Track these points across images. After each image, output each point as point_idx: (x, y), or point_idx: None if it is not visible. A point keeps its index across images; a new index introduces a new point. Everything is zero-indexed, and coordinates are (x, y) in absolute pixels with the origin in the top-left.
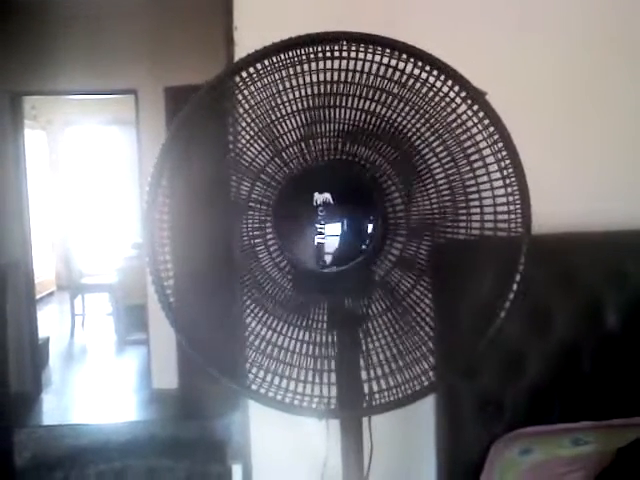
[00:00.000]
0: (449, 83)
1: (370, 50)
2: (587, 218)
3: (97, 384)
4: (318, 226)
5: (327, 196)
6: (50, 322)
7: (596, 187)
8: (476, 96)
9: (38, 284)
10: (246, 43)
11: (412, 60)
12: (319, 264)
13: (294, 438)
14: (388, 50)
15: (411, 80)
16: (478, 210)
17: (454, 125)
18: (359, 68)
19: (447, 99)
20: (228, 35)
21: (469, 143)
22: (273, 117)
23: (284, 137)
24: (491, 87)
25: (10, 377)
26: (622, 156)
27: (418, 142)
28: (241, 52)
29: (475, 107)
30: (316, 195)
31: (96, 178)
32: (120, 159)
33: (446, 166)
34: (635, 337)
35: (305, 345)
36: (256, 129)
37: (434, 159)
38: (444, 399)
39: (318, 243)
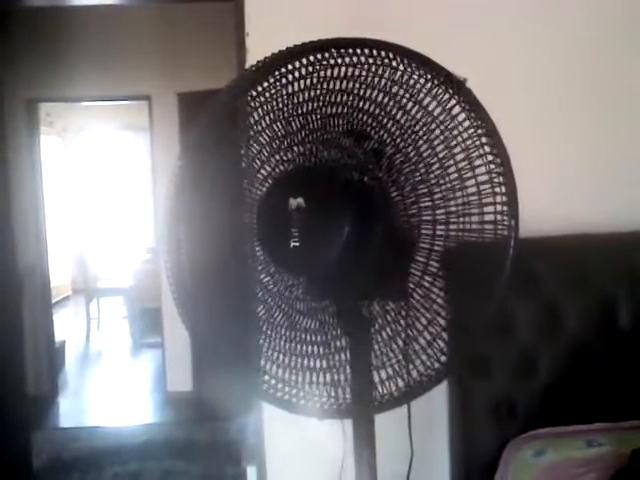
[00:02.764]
0: (432, 77)
1: (367, 55)
2: (598, 219)
3: (112, 387)
4: (293, 230)
5: (300, 201)
6: (66, 326)
7: (606, 187)
8: (458, 86)
9: (54, 288)
10: (257, 49)
11: (401, 59)
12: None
13: (308, 440)
14: (384, 54)
15: (404, 77)
16: (463, 210)
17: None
18: (357, 73)
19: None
20: (240, 41)
21: (456, 142)
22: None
23: (274, 143)
24: (490, 91)
25: (27, 380)
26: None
27: (399, 140)
28: (252, 58)
29: (460, 100)
30: (291, 200)
31: (111, 183)
32: (134, 164)
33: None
34: None
35: (317, 347)
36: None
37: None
38: (457, 400)
39: (294, 247)
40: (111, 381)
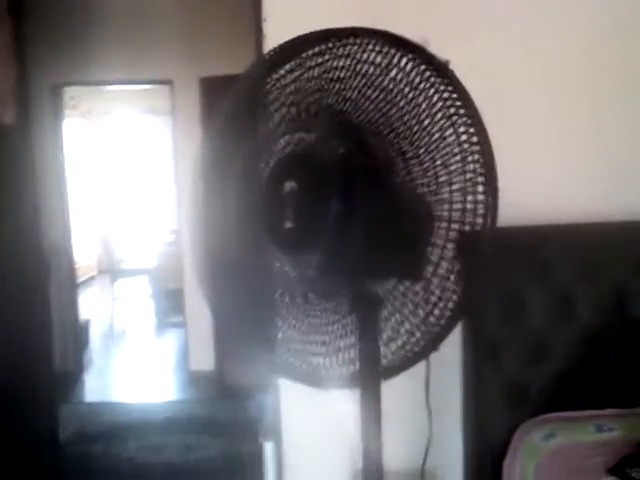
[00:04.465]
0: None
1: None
2: (612, 208)
3: (136, 365)
4: (287, 213)
5: (293, 184)
6: (91, 305)
7: (621, 177)
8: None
9: (80, 268)
10: (275, 34)
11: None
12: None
13: (323, 417)
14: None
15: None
16: (446, 196)
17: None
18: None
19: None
20: (257, 27)
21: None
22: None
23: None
24: (486, 86)
25: (54, 357)
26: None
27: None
28: (270, 43)
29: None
30: (285, 184)
31: (134, 165)
32: (157, 147)
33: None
34: None
35: (330, 324)
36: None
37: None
38: (471, 384)
39: (286, 229)
40: (135, 359)
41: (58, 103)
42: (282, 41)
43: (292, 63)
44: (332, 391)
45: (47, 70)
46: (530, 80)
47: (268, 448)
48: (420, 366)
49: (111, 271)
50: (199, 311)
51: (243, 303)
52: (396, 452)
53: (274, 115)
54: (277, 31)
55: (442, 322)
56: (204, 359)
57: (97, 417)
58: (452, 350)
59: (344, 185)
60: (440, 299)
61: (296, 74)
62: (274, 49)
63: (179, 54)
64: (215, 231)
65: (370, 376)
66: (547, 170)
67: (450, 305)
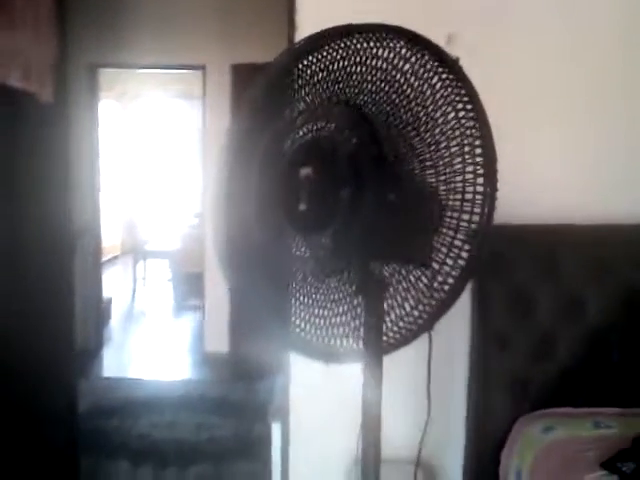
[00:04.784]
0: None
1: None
2: (620, 210)
3: (153, 344)
4: (301, 196)
5: (308, 170)
6: (114, 284)
7: (629, 181)
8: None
9: (104, 248)
10: (306, 26)
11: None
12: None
13: (331, 400)
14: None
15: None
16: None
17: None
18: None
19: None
20: (290, 18)
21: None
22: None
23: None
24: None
25: (75, 334)
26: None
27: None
28: (301, 35)
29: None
30: (301, 170)
31: (163, 149)
32: (186, 131)
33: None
34: None
35: (337, 305)
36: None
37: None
38: (476, 375)
39: (300, 211)
40: (152, 338)
41: (94, 84)
42: (314, 31)
43: (317, 54)
44: (340, 375)
45: (84, 51)
46: (542, 82)
47: (275, 428)
48: (424, 354)
49: (134, 252)
50: (217, 294)
51: (260, 281)
52: (394, 441)
53: (299, 103)
54: (309, 23)
55: (442, 300)
56: (219, 341)
57: (113, 392)
58: (460, 341)
59: (355, 173)
60: (442, 282)
61: (321, 65)
62: (302, 40)
63: (212, 40)
64: (237, 212)
65: (374, 351)
66: (561, 171)
67: (449, 286)
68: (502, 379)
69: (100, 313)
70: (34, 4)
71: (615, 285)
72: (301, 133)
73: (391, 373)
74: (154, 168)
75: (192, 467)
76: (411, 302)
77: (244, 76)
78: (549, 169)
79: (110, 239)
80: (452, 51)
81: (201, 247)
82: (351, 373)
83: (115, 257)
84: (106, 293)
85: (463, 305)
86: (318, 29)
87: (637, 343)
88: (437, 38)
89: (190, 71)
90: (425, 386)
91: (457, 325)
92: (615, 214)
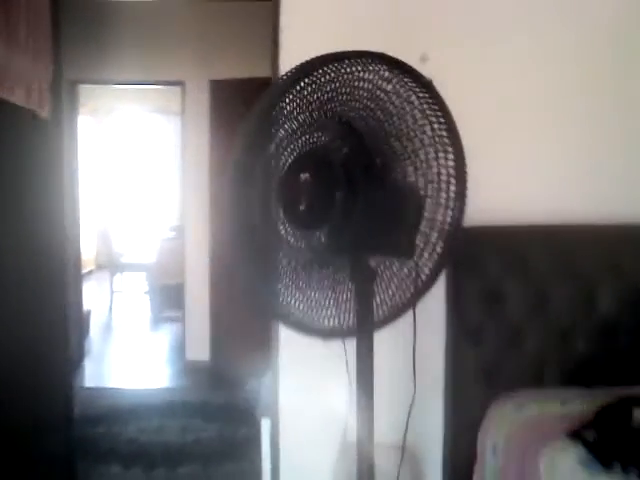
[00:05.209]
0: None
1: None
2: (583, 212)
3: (133, 355)
4: (301, 198)
5: (307, 175)
6: (89, 298)
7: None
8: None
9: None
10: (290, 46)
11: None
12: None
13: (318, 398)
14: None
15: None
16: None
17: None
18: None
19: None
20: (274, 38)
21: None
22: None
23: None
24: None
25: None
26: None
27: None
28: (285, 55)
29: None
30: (300, 175)
31: (137, 163)
32: (161, 146)
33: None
34: (627, 319)
35: (330, 291)
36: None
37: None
38: (452, 363)
39: (300, 211)
40: (132, 349)
41: (74, 100)
42: (297, 51)
43: (310, 77)
44: (327, 376)
45: (65, 67)
46: (513, 97)
47: (265, 424)
48: (408, 347)
49: (110, 265)
50: (197, 305)
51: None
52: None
53: (297, 119)
54: (293, 41)
55: (419, 286)
56: (200, 350)
57: (97, 401)
58: (436, 335)
59: (347, 178)
60: (420, 272)
61: (314, 86)
62: (296, 66)
63: (191, 57)
64: (243, 213)
65: (365, 332)
66: (528, 178)
67: (425, 275)
68: (476, 368)
69: (82, 326)
70: (34, 26)
71: (578, 280)
72: (299, 144)
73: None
74: (129, 182)
75: (180, 468)
76: (393, 288)
77: (223, 92)
78: (517, 176)
79: (84, 253)
80: (425, 69)
81: (178, 260)
82: (337, 369)
83: (89, 272)
84: (85, 306)
85: (438, 301)
86: (301, 48)
87: (599, 333)
88: (410, 57)
89: (164, 87)
90: (408, 370)
91: (433, 319)
92: (578, 215)
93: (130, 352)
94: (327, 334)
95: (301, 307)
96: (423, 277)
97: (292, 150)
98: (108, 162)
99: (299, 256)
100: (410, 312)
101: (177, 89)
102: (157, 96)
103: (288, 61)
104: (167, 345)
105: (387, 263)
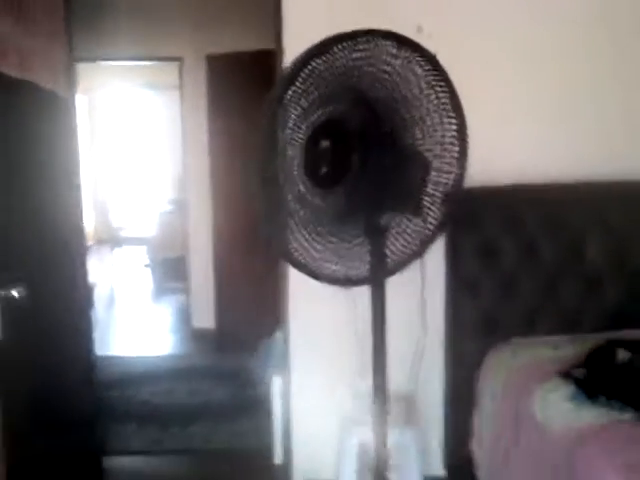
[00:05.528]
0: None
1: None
2: (569, 172)
3: (139, 325)
4: (322, 162)
5: (327, 142)
6: (91, 272)
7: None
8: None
9: None
10: (293, 19)
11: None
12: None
13: (327, 358)
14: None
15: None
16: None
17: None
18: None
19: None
20: (276, 11)
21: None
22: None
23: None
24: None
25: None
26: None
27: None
28: (288, 27)
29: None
30: (321, 142)
31: (133, 138)
32: (155, 121)
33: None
34: (612, 270)
35: (347, 242)
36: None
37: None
38: (452, 314)
39: (322, 174)
40: (137, 320)
41: (72, 77)
42: (299, 24)
43: (326, 55)
44: (335, 333)
45: None
46: (509, 68)
47: (276, 382)
48: (409, 300)
49: (110, 239)
50: (202, 275)
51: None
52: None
53: (315, 92)
54: (294, 14)
55: (424, 240)
56: (206, 318)
57: (108, 368)
58: (436, 288)
59: (362, 145)
60: (425, 227)
61: (328, 63)
62: (312, 46)
63: (188, 32)
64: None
65: (378, 279)
66: (521, 141)
67: (430, 231)
68: (473, 319)
69: (89, 297)
70: (49, 7)
71: (566, 234)
72: (317, 115)
73: None
74: (126, 158)
75: (192, 426)
76: (401, 241)
77: (220, 66)
78: (511, 141)
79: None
80: (420, 39)
81: (178, 233)
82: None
83: (90, 245)
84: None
85: (438, 256)
86: (303, 23)
87: (585, 281)
88: (406, 28)
89: (157, 62)
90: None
91: (433, 276)
92: (566, 174)
93: (135, 322)
94: (342, 282)
95: (318, 257)
96: (428, 232)
97: (312, 120)
98: (104, 138)
99: (320, 213)
100: (411, 266)
101: (172, 64)
102: (150, 72)
103: (291, 33)
104: (171, 315)
105: (397, 220)
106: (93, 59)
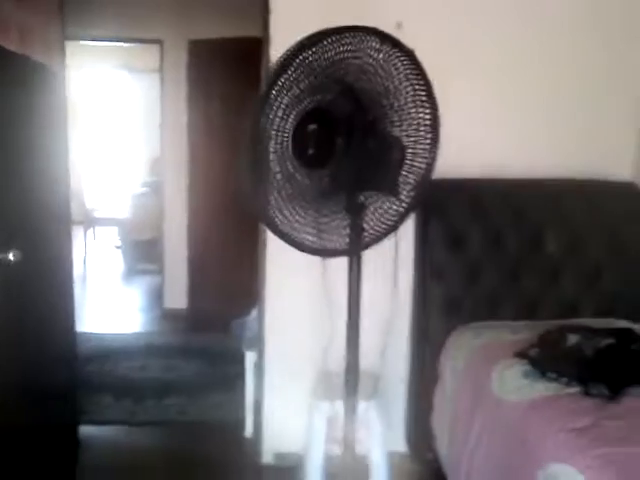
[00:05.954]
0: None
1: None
2: (532, 168)
3: (112, 304)
4: (309, 144)
5: (314, 126)
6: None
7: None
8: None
9: None
10: (280, 7)
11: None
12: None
13: (299, 335)
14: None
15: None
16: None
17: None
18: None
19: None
20: (264, 3)
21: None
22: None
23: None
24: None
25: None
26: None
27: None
28: (275, 15)
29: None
30: (309, 126)
31: (110, 120)
32: (133, 103)
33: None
34: (569, 260)
35: (326, 217)
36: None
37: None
38: (419, 297)
39: (309, 155)
40: (109, 299)
41: (64, 54)
42: (286, 12)
43: (314, 48)
44: (308, 313)
45: None
46: (480, 67)
47: (250, 356)
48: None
49: (83, 220)
50: (175, 257)
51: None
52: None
53: (305, 81)
54: (282, 7)
55: (397, 217)
56: (178, 299)
57: (84, 344)
58: (405, 273)
59: (346, 130)
60: (399, 206)
61: (316, 56)
62: (303, 38)
63: (170, 15)
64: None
65: (355, 252)
66: (488, 139)
67: (403, 209)
68: (439, 302)
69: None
70: None
71: (527, 225)
72: (306, 103)
73: None
74: (101, 138)
75: (166, 399)
76: (377, 217)
77: (201, 51)
78: (479, 138)
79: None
80: (400, 34)
81: (150, 215)
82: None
83: None
84: None
85: (408, 244)
86: (291, 12)
87: (544, 270)
88: (387, 24)
89: (140, 45)
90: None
91: (402, 260)
92: (526, 171)
93: (107, 301)
94: (320, 253)
95: (299, 228)
96: (402, 210)
97: (301, 107)
98: (80, 119)
99: (305, 190)
100: (384, 242)
101: (152, 47)
102: (129, 53)
103: (278, 22)
104: (143, 295)
105: (374, 198)
106: (74, 38)
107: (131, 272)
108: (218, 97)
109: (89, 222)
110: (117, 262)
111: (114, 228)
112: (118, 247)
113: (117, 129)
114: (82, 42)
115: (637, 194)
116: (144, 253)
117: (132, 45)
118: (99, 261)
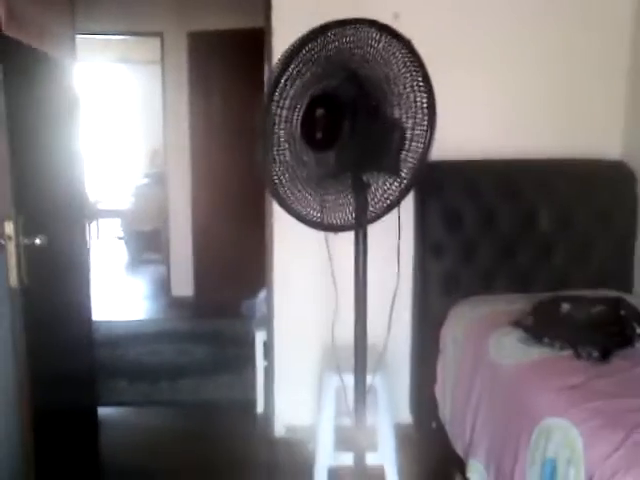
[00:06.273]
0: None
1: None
2: (525, 148)
3: (119, 293)
4: (317, 128)
5: (321, 111)
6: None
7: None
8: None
9: None
10: (282, 0)
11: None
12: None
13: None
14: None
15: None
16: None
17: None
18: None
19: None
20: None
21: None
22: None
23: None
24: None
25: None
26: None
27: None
28: (277, 7)
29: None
30: (317, 110)
31: (112, 112)
32: (135, 96)
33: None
34: (560, 237)
35: (332, 195)
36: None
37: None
38: (419, 274)
39: (317, 138)
40: (116, 289)
41: (74, 48)
42: (287, 3)
43: (320, 38)
44: (315, 293)
45: None
46: (473, 54)
47: (259, 335)
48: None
49: (87, 213)
50: (181, 246)
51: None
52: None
53: (312, 69)
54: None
55: (398, 195)
56: (185, 287)
57: (96, 330)
58: (405, 250)
59: (352, 113)
60: (399, 185)
61: (321, 45)
62: (308, 31)
63: (170, 8)
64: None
65: (361, 226)
66: (481, 121)
67: (403, 187)
68: (438, 277)
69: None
70: None
71: (521, 204)
72: (314, 89)
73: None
74: (103, 131)
75: (180, 380)
76: (379, 195)
77: (201, 44)
78: (474, 121)
79: None
80: (397, 25)
81: (153, 206)
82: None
83: None
84: None
85: (407, 222)
86: (292, 3)
87: (535, 246)
88: (385, 14)
89: (140, 37)
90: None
91: (404, 237)
92: (520, 151)
93: (114, 290)
94: (325, 228)
95: (306, 205)
96: (402, 189)
97: (309, 93)
98: (83, 111)
99: (312, 170)
100: (385, 219)
101: (153, 40)
102: (130, 46)
103: (280, 13)
104: (149, 284)
105: (376, 177)
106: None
107: (135, 262)
108: (219, 88)
109: (92, 214)
110: (120, 253)
111: (116, 220)
112: (121, 238)
113: (117, 122)
114: (82, 36)
115: (626, 172)
116: (147, 243)
117: (131, 38)
118: (103, 253)
